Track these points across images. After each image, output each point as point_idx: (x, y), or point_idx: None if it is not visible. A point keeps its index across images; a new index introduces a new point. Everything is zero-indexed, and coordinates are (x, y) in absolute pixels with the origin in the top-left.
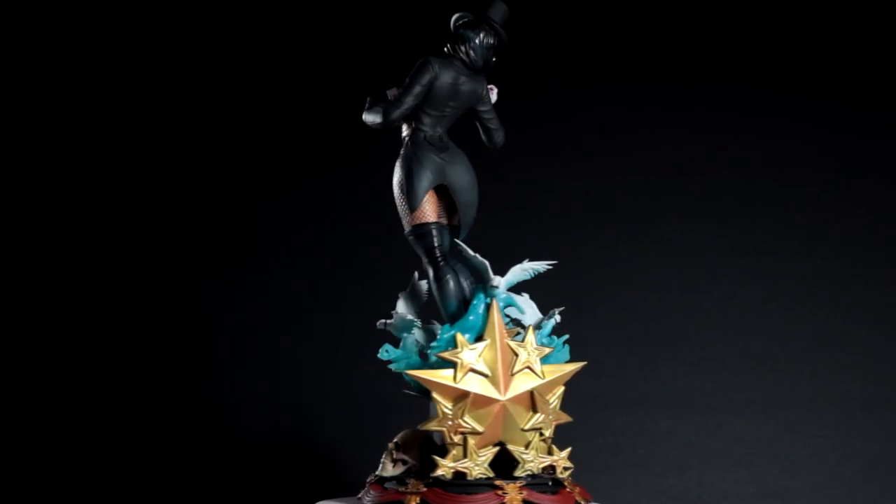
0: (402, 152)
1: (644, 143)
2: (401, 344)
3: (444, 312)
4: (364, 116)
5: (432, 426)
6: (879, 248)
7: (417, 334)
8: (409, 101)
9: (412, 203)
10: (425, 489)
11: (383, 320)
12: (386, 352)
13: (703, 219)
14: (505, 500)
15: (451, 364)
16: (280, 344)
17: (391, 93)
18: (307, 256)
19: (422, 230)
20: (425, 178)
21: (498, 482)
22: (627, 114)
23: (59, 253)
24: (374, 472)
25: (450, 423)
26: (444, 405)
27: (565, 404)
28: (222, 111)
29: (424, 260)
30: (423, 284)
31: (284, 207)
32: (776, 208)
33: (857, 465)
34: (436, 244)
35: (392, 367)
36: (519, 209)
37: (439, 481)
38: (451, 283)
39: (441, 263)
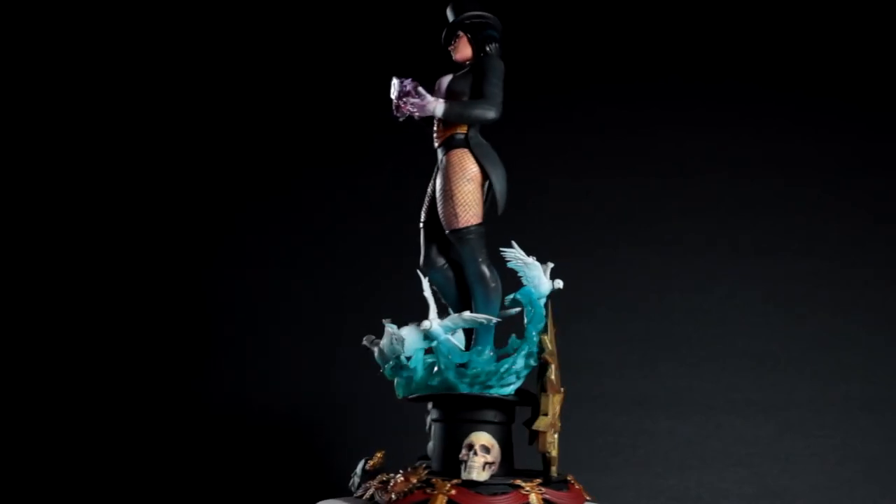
0: (472, 151)
1: (644, 143)
2: (437, 348)
3: (484, 310)
4: (456, 111)
5: (544, 426)
6: (879, 248)
7: (458, 339)
8: (502, 96)
9: (503, 201)
10: (545, 489)
11: (428, 321)
12: (468, 360)
13: (703, 219)
14: (586, 496)
15: (549, 365)
16: (280, 344)
17: (409, 83)
18: (307, 256)
19: (480, 229)
20: (505, 178)
21: (569, 477)
22: (627, 114)
23: (60, 250)
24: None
25: (553, 421)
26: (554, 405)
27: (566, 404)
28: (222, 111)
29: (477, 258)
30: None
31: (285, 208)
32: (776, 208)
33: (857, 465)
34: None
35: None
36: (519, 209)
37: (549, 481)
38: (498, 284)
39: (489, 263)
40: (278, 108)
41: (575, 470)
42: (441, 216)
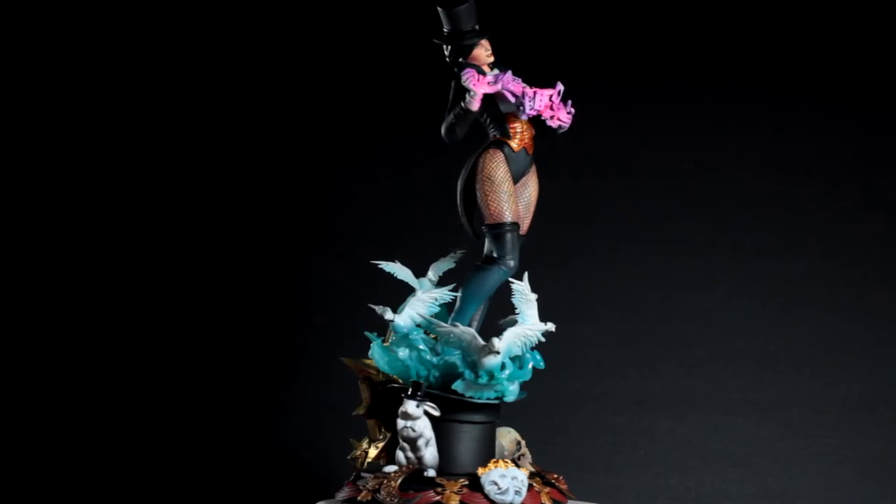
0: None
1: (644, 143)
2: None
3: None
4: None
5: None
6: (879, 248)
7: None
8: None
9: None
10: None
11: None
12: None
13: (703, 219)
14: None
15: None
16: (279, 345)
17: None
18: (303, 257)
19: None
20: None
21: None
22: (627, 114)
23: (62, 249)
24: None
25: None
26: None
27: (566, 404)
28: (227, 112)
29: None
30: None
31: (284, 208)
32: (776, 208)
33: (856, 465)
34: None
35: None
36: None
37: None
38: None
39: None
40: (279, 112)
41: (575, 470)
42: (526, 220)
